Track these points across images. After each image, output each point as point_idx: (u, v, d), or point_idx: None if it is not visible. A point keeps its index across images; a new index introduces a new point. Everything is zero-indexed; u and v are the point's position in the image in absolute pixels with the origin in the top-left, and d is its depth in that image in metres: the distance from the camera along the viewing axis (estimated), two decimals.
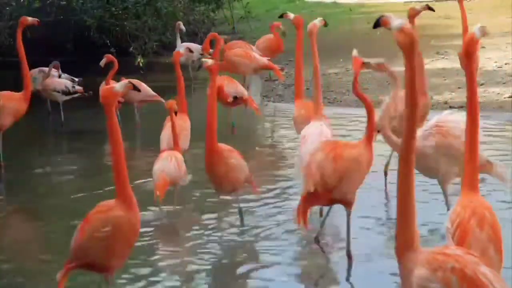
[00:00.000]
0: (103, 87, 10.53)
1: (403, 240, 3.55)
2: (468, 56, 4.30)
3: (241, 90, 10.21)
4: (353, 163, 5.61)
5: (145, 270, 5.97)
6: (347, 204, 5.67)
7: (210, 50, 12.11)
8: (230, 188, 6.63)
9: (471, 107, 4.27)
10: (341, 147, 5.72)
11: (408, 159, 3.56)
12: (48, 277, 5.87)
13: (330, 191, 5.58)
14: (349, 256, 5.72)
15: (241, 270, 5.95)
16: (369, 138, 5.75)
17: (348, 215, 5.68)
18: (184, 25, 16.27)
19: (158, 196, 6.86)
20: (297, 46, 8.47)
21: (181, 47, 14.16)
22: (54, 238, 6.84)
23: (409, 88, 3.53)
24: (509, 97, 11.22)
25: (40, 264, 6.25)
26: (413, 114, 3.55)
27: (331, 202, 5.76)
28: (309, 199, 5.61)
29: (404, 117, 3.58)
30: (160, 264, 6.19)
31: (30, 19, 9.34)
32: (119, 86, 4.87)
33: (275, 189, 7.86)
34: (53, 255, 6.36)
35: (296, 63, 8.49)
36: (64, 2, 16.66)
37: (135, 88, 5.00)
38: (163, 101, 10.32)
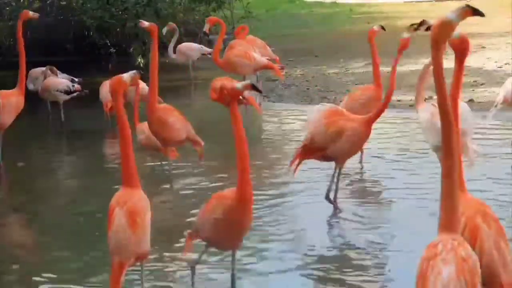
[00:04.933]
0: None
1: (440, 219, 3.62)
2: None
3: None
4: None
5: None
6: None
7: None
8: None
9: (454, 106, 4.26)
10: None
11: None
12: (49, 277, 5.88)
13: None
14: (330, 201, 6.87)
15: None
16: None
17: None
18: (184, 25, 16.30)
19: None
20: (152, 52, 7.98)
21: (171, 51, 14.17)
22: (54, 238, 6.84)
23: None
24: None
25: (41, 263, 6.24)
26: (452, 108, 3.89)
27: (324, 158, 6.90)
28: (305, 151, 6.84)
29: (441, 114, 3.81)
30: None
31: (31, 13, 9.28)
32: (126, 75, 4.97)
33: (274, 188, 7.84)
34: (54, 255, 6.36)
35: (151, 69, 7.87)
36: (64, 2, 16.70)
37: (142, 79, 5.08)
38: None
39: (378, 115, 6.86)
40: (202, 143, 8.05)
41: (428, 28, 4.69)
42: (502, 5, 19.86)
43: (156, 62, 7.87)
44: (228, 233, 5.00)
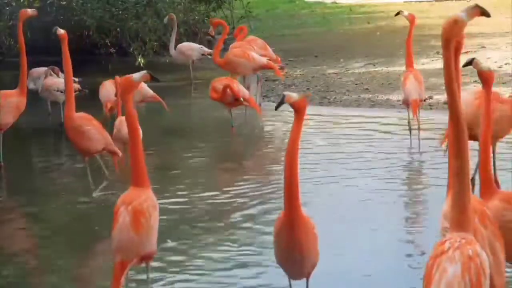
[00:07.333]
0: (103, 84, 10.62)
1: (451, 217, 3.62)
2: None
3: (242, 90, 10.22)
4: None
5: None
6: None
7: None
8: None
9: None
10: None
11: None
12: (49, 276, 5.88)
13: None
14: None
15: None
16: None
17: None
18: (184, 25, 16.28)
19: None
20: (65, 60, 7.69)
21: (172, 48, 14.15)
22: (54, 238, 6.84)
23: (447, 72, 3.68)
24: (509, 97, 11.23)
25: (41, 263, 6.25)
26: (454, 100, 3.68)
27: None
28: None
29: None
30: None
31: (29, 10, 9.20)
32: (137, 75, 4.94)
33: (273, 187, 7.83)
34: (54, 255, 6.36)
35: (66, 77, 7.72)
36: (64, 2, 16.69)
37: (153, 79, 5.04)
38: (162, 101, 10.32)
39: None
40: (120, 154, 7.72)
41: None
42: (502, 5, 19.85)
43: (70, 69, 7.67)
44: (282, 256, 4.62)
